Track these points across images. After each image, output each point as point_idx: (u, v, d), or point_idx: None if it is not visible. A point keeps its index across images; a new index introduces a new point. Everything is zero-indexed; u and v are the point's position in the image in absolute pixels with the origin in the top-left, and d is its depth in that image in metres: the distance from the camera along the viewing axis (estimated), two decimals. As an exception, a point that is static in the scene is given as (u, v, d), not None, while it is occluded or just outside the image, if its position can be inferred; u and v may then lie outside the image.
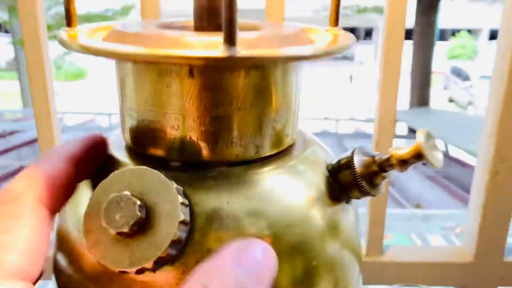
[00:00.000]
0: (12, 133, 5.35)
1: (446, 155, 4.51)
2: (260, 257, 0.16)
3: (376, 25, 19.14)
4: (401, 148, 0.22)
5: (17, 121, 6.66)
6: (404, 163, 0.21)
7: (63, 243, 0.21)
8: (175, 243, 0.17)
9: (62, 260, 0.21)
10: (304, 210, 0.21)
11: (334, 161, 0.23)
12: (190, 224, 0.18)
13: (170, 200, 0.17)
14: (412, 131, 5.29)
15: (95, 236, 0.17)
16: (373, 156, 0.22)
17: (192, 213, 0.18)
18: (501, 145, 0.41)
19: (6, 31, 11.24)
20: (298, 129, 0.25)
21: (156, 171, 0.18)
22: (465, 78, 12.75)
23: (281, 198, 0.20)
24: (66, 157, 0.20)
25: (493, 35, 20.24)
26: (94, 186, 0.20)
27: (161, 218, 0.17)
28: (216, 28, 0.21)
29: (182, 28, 0.23)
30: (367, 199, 0.51)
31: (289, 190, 0.21)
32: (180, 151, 0.20)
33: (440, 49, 17.56)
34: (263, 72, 0.19)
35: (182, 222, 0.17)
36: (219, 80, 0.19)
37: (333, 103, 12.15)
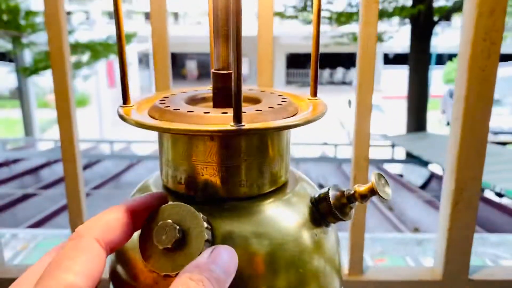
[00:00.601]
0: (15, 161, 5.43)
1: (442, 178, 4.56)
2: (228, 257, 0.24)
3: (373, 50, 19.43)
4: (362, 185, 0.30)
5: (20, 149, 6.74)
6: (363, 197, 0.30)
7: (120, 258, 0.29)
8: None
9: (120, 271, 0.29)
10: (295, 232, 0.29)
11: (316, 195, 0.31)
12: (212, 242, 0.26)
13: (198, 226, 0.25)
14: (410, 155, 5.37)
15: (148, 252, 0.25)
16: (343, 191, 0.31)
17: (213, 235, 0.26)
18: (460, 177, 0.49)
19: (10, 60, 11.40)
20: (290, 169, 0.33)
21: (188, 205, 0.26)
22: (463, 101, 12.85)
23: (277, 224, 0.28)
24: (127, 210, 0.27)
25: (488, 59, 20.49)
26: None
27: (192, 238, 0.25)
28: (228, 104, 0.29)
29: (204, 100, 0.32)
30: (348, 225, 0.58)
31: (283, 217, 0.29)
32: (203, 190, 0.28)
33: (437, 73, 17.81)
34: (261, 136, 0.28)
35: (207, 241, 0.25)
36: (231, 143, 0.27)
37: (332, 128, 12.27)
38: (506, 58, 19.51)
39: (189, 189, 0.29)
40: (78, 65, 8.51)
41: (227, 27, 0.28)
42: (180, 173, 0.29)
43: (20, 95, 10.70)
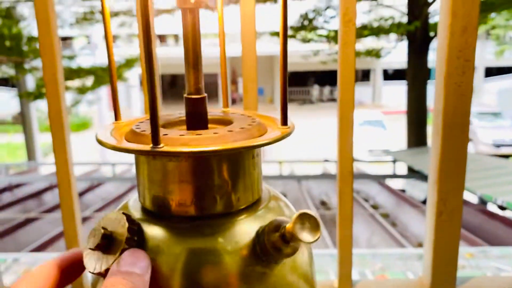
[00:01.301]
0: (17, 186, 5.45)
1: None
2: (143, 260, 0.27)
3: (373, 67, 19.63)
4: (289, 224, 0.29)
5: (22, 174, 6.77)
6: (284, 239, 0.28)
7: None
8: (128, 242, 0.27)
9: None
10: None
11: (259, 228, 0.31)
12: (139, 240, 0.28)
13: (121, 232, 0.28)
14: (411, 170, 5.36)
15: (85, 253, 0.28)
16: (279, 226, 0.30)
17: (140, 241, 0.28)
18: (442, 189, 0.50)
19: (13, 85, 11.52)
20: (264, 186, 0.34)
21: (121, 214, 0.28)
22: (463, 115, 12.89)
23: (249, 239, 0.29)
24: (54, 265, 0.31)
25: (488, 72, 20.68)
26: None
27: (115, 242, 0.28)
28: (201, 127, 0.31)
29: (180, 123, 0.33)
30: (337, 242, 0.59)
31: (254, 229, 0.30)
32: (179, 209, 0.29)
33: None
34: (230, 157, 0.29)
35: (129, 238, 0.27)
36: (203, 163, 0.28)
37: (333, 144, 12.27)
38: (506, 70, 19.56)
39: (165, 208, 0.30)
40: (82, 90, 8.58)
41: (192, 54, 0.30)
42: (154, 193, 0.30)
43: (22, 119, 10.79)
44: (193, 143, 0.27)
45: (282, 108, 0.30)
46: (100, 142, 0.30)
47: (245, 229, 0.29)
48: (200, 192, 0.29)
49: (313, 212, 0.27)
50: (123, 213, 0.28)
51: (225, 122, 0.33)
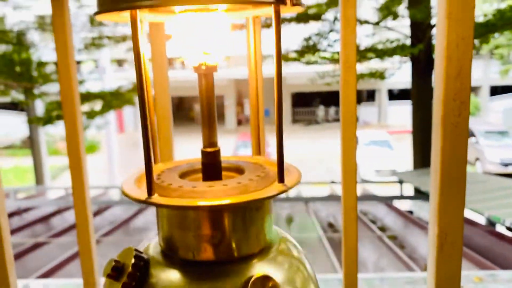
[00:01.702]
0: (26, 210, 5.49)
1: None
2: None
3: (378, 87, 19.72)
4: None
5: (31, 198, 6.82)
6: None
7: None
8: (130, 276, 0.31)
9: None
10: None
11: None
12: (141, 277, 0.32)
13: (129, 261, 0.32)
14: (418, 191, 5.35)
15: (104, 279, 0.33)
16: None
17: (146, 271, 0.32)
18: (443, 222, 0.53)
19: (22, 110, 11.67)
20: (274, 229, 0.37)
21: (132, 248, 0.32)
22: (470, 134, 12.88)
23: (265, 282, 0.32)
24: None
25: (493, 92, 20.68)
26: None
27: (125, 271, 0.31)
28: (215, 178, 0.34)
29: (194, 173, 0.36)
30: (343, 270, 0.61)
31: (269, 274, 0.33)
32: (197, 254, 0.32)
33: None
34: (239, 208, 0.32)
35: (131, 273, 0.31)
36: (218, 215, 0.32)
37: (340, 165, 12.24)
38: (511, 89, 19.56)
39: (184, 253, 0.33)
40: (91, 115, 8.68)
41: (207, 113, 0.34)
42: (174, 239, 0.33)
43: (31, 144, 10.90)
44: (206, 195, 0.30)
45: (278, 165, 0.33)
46: (123, 192, 0.33)
47: (257, 273, 0.32)
48: (212, 239, 0.32)
49: (269, 274, 0.30)
50: (135, 249, 0.32)
51: (238, 170, 0.36)
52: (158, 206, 0.32)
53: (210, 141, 0.34)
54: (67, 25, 0.61)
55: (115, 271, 0.31)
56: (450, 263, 0.52)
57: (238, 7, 0.35)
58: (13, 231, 4.50)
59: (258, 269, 0.32)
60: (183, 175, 0.36)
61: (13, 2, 9.75)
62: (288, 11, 0.33)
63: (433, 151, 0.52)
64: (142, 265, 0.31)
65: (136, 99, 9.55)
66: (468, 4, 0.49)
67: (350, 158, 0.59)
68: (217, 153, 0.35)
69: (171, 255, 0.34)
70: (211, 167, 0.34)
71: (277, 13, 0.29)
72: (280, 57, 0.33)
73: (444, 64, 0.50)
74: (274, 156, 0.36)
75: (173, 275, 0.31)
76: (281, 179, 0.32)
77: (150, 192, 0.30)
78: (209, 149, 0.34)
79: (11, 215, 5.28)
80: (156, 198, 0.32)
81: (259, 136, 0.44)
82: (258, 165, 0.36)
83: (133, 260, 0.31)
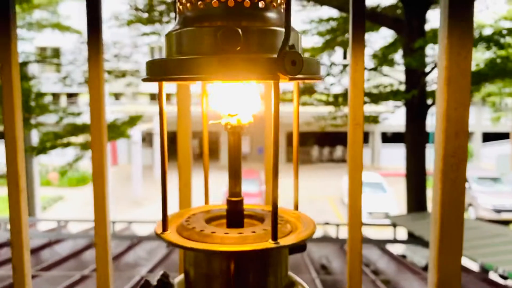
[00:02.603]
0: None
1: (447, 260, 4.52)
2: None
3: (372, 130, 19.97)
4: None
5: (21, 228, 6.71)
6: None
7: None
8: None
9: None
10: None
11: None
12: None
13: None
14: (412, 236, 5.35)
15: None
16: None
17: None
18: (442, 272, 0.56)
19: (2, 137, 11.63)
20: (289, 274, 0.41)
21: (164, 271, 0.35)
22: (463, 180, 12.90)
23: None
24: None
25: (486, 138, 20.99)
26: None
27: None
28: (238, 225, 0.38)
29: (219, 218, 0.40)
30: None
31: None
32: None
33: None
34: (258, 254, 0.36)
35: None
36: (234, 260, 0.35)
37: (333, 207, 12.25)
38: (503, 136, 19.85)
39: None
40: (85, 147, 8.70)
41: (234, 166, 0.38)
42: (202, 280, 0.37)
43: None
44: (238, 241, 0.34)
45: (272, 225, 0.37)
46: (156, 233, 0.37)
47: None
48: (240, 282, 0.35)
49: None
50: (163, 273, 0.35)
51: (258, 218, 0.40)
52: (165, 241, 0.37)
53: (234, 191, 0.38)
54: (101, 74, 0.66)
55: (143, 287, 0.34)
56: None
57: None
58: (3, 263, 4.43)
59: None
60: (209, 220, 0.40)
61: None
62: (286, 82, 0.37)
63: (433, 202, 0.57)
64: (163, 284, 0.35)
65: (130, 132, 9.62)
66: (465, 73, 0.54)
67: (357, 205, 0.63)
68: (240, 202, 0.39)
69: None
70: (235, 214, 0.38)
71: (276, 85, 0.34)
72: (278, 119, 0.38)
73: (444, 125, 0.55)
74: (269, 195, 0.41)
75: None
76: (274, 237, 0.36)
77: (164, 228, 0.35)
78: (233, 199, 0.39)
79: (1, 246, 5.20)
80: (166, 234, 0.36)
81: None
82: (279, 215, 0.40)
83: (155, 282, 0.35)
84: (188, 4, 0.33)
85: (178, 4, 0.35)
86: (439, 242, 0.56)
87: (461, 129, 0.55)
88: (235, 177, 0.38)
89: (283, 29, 0.31)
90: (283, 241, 0.34)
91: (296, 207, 0.41)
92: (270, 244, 0.35)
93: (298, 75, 0.32)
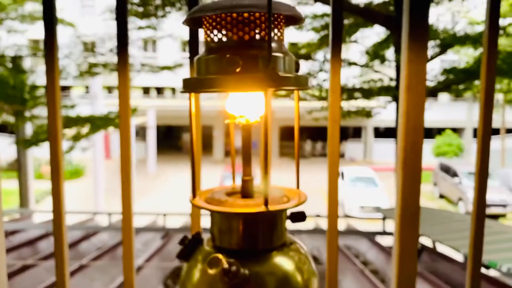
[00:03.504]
0: (12, 233, 5.50)
1: (433, 251, 4.69)
2: None
3: (364, 124, 20.17)
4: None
5: (16, 221, 6.82)
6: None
7: None
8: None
9: None
10: (292, 271, 0.49)
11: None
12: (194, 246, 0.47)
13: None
14: (400, 228, 5.50)
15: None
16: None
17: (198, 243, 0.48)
18: (402, 243, 0.69)
19: (12, 132, 11.66)
20: (287, 235, 0.53)
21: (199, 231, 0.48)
22: (454, 174, 13.17)
23: (280, 265, 0.48)
24: None
25: (476, 134, 21.19)
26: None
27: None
28: (249, 197, 0.51)
29: (235, 192, 0.53)
30: None
31: (283, 263, 0.49)
32: (234, 245, 0.48)
33: (427, 147, 18.36)
34: (271, 214, 0.49)
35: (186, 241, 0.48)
36: (246, 219, 0.48)
37: (325, 200, 12.39)
38: (494, 132, 20.13)
39: (228, 245, 0.49)
40: (77, 138, 8.76)
41: (247, 153, 0.50)
42: (222, 236, 0.49)
43: (18, 166, 10.87)
44: (243, 206, 0.47)
45: (264, 193, 0.50)
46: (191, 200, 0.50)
47: (277, 261, 0.50)
48: (250, 236, 0.48)
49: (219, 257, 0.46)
50: (197, 231, 0.49)
51: (260, 192, 0.53)
52: (194, 205, 0.51)
53: (247, 172, 0.51)
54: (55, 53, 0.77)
55: (181, 243, 0.47)
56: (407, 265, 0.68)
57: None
58: (10, 250, 4.53)
59: (275, 259, 0.49)
60: (230, 194, 0.53)
61: (7, 25, 9.95)
62: (278, 90, 0.51)
63: (396, 186, 0.69)
64: (195, 239, 0.48)
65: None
66: (421, 81, 0.67)
67: (334, 193, 0.76)
68: (250, 180, 0.52)
69: (214, 244, 0.50)
70: (247, 189, 0.51)
71: (266, 94, 0.47)
72: (267, 124, 0.50)
73: (404, 122, 0.67)
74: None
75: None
76: (265, 204, 0.48)
77: (194, 195, 0.48)
78: (246, 178, 0.51)
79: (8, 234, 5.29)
80: (195, 200, 0.49)
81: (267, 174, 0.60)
82: (278, 191, 0.53)
83: (190, 236, 0.49)
84: (209, 39, 0.47)
85: (205, 36, 0.49)
86: (400, 220, 0.68)
87: (418, 126, 0.68)
88: (247, 162, 0.51)
89: (274, 54, 0.45)
90: (272, 208, 0.47)
91: (298, 186, 0.54)
92: (262, 208, 0.47)
93: (284, 87, 0.46)
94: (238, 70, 0.44)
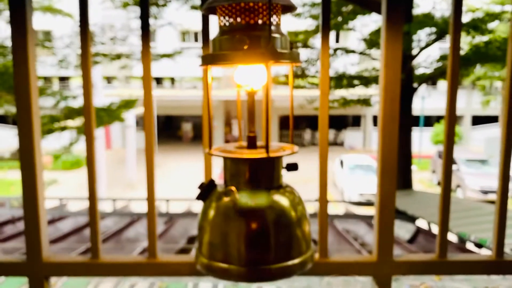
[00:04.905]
0: (20, 219, 5.65)
1: (428, 232, 4.84)
2: None
3: (363, 113, 20.28)
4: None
5: (21, 207, 6.94)
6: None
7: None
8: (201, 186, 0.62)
9: None
10: (286, 206, 0.62)
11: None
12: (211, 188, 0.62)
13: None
14: (397, 212, 5.66)
15: None
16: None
17: (214, 186, 0.63)
18: (382, 194, 0.82)
19: (14, 123, 11.74)
20: (283, 181, 0.66)
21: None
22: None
23: (277, 201, 0.61)
24: None
25: (475, 121, 21.37)
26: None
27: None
28: (253, 148, 0.64)
29: (243, 147, 0.65)
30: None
31: (279, 199, 0.62)
32: (239, 185, 0.61)
33: (426, 135, 18.50)
34: (267, 161, 0.62)
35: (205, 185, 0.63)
36: (251, 164, 0.61)
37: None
38: (492, 119, 20.19)
39: (237, 185, 0.62)
40: (82, 130, 8.87)
41: (251, 116, 0.63)
42: (232, 178, 0.62)
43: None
44: (241, 154, 0.60)
45: (266, 145, 0.63)
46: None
47: (275, 198, 0.63)
48: (248, 177, 0.61)
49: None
50: (211, 179, 0.62)
51: (262, 146, 0.66)
52: (209, 154, 0.64)
53: (251, 130, 0.64)
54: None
55: (200, 187, 0.60)
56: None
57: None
58: (9, 238, 4.67)
59: (273, 196, 0.61)
60: (238, 147, 0.66)
61: (6, 16, 9.99)
62: (278, 65, 0.63)
63: (377, 157, 0.82)
64: (211, 183, 0.61)
65: (124, 116, 9.79)
66: (396, 58, 0.79)
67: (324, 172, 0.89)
68: (254, 137, 0.64)
69: (227, 185, 0.63)
70: (252, 143, 0.64)
71: (268, 67, 0.59)
72: (268, 91, 0.62)
73: (383, 93, 0.80)
74: None
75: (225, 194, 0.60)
76: (267, 151, 0.62)
77: (210, 147, 0.60)
78: (250, 134, 0.64)
79: (6, 223, 5.44)
80: (210, 150, 0.62)
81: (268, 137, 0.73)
82: (276, 146, 0.66)
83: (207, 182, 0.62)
84: (222, 24, 0.59)
85: (219, 21, 0.61)
86: (381, 171, 0.81)
87: (394, 98, 0.81)
88: (251, 121, 0.63)
89: (273, 35, 0.58)
90: (272, 154, 0.60)
91: (292, 141, 0.67)
92: (264, 155, 0.60)
93: (281, 61, 0.58)
94: (245, 47, 0.57)
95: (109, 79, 20.88)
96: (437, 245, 0.90)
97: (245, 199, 0.59)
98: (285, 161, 0.64)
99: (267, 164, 0.62)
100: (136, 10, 8.26)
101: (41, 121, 7.38)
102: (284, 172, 0.64)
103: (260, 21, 0.58)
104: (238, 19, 0.59)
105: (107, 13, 9.72)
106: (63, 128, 8.86)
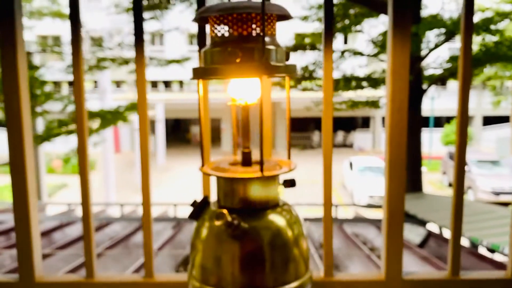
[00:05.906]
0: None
1: (439, 237, 4.77)
2: None
3: (372, 114, 20.15)
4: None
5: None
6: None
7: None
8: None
9: None
10: (283, 227, 0.58)
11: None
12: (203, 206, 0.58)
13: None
14: (407, 215, 5.59)
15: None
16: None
17: (206, 204, 0.58)
18: (390, 205, 0.78)
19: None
20: (281, 199, 0.62)
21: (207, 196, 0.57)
22: (462, 163, 13.02)
23: (273, 221, 0.57)
24: None
25: (486, 121, 21.14)
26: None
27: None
28: (248, 165, 0.61)
29: (237, 163, 0.62)
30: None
31: (276, 220, 0.58)
32: (234, 204, 0.58)
33: (436, 136, 18.31)
34: (263, 180, 0.58)
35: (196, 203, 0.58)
36: (244, 183, 0.57)
37: (334, 189, 12.41)
38: (503, 119, 19.96)
39: (231, 205, 0.59)
40: (90, 132, 8.91)
41: (246, 131, 0.59)
42: (226, 198, 0.59)
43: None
44: (234, 172, 0.57)
45: (260, 161, 0.59)
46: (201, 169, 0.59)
47: (271, 218, 0.59)
48: (242, 196, 0.58)
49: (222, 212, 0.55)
50: (205, 196, 0.58)
51: (257, 162, 0.62)
52: (203, 172, 0.61)
53: (246, 146, 0.61)
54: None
55: (192, 205, 0.56)
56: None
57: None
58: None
59: (269, 216, 0.58)
60: (232, 164, 0.63)
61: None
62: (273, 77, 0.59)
63: (385, 153, 0.78)
64: (205, 201, 0.57)
65: (130, 117, 9.84)
66: (404, 64, 0.75)
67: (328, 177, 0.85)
68: (249, 152, 0.61)
69: (220, 204, 0.60)
70: (246, 160, 0.61)
71: (262, 80, 0.56)
72: (262, 105, 0.59)
73: (390, 102, 0.76)
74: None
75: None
76: (261, 170, 0.58)
77: (203, 164, 0.57)
78: (245, 150, 0.61)
79: (13, 229, 5.45)
80: (203, 168, 0.59)
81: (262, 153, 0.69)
82: (273, 162, 0.63)
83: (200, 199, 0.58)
84: (214, 35, 0.56)
85: (210, 32, 0.57)
86: (389, 182, 0.77)
87: (402, 106, 0.77)
88: (246, 137, 0.60)
89: (267, 47, 0.54)
90: (266, 173, 0.56)
91: (289, 157, 0.63)
92: (259, 174, 0.57)
93: (275, 74, 0.55)
94: (238, 60, 0.53)
95: (118, 83, 21.00)
96: (449, 262, 0.86)
97: (238, 220, 0.56)
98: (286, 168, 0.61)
99: (262, 183, 0.59)
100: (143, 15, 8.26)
101: (49, 125, 7.41)
102: (281, 188, 0.61)
103: (253, 32, 0.55)
104: (231, 30, 0.55)
105: (115, 17, 9.75)
106: (70, 132, 8.91)
